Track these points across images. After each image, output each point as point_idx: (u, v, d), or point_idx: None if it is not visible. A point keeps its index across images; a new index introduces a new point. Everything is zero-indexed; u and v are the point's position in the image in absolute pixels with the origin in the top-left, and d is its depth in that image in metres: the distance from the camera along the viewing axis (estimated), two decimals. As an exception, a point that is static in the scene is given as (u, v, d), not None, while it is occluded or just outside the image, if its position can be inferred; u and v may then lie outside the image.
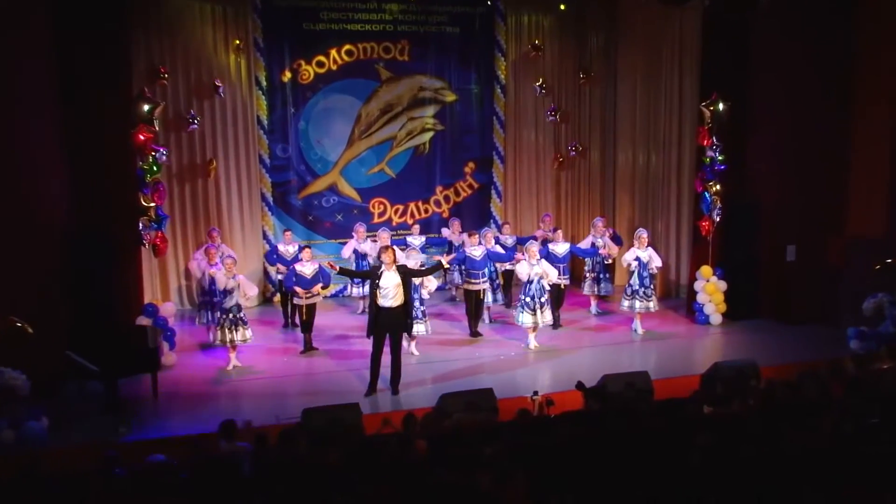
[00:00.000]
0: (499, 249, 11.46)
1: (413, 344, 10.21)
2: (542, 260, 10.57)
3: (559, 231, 12.14)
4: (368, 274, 9.33)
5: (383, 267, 8.65)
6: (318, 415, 7.08)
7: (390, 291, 8.50)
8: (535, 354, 10.41)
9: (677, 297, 13.17)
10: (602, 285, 12.08)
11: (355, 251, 12.27)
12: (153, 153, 9.99)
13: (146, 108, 9.89)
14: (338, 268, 9.19)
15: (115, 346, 8.87)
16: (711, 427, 5.87)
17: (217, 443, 6.50)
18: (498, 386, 8.11)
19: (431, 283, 10.01)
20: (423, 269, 9.71)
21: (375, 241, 11.92)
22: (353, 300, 12.82)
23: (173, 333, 10.14)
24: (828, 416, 5.92)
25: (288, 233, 12.24)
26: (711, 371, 8.20)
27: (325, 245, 13.84)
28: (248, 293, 9.90)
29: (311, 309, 10.55)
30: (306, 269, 10.51)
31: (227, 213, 13.08)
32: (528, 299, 10.34)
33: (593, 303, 12.36)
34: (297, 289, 10.36)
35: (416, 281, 9.61)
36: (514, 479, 4.99)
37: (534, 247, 10.51)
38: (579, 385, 7.29)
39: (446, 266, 9.60)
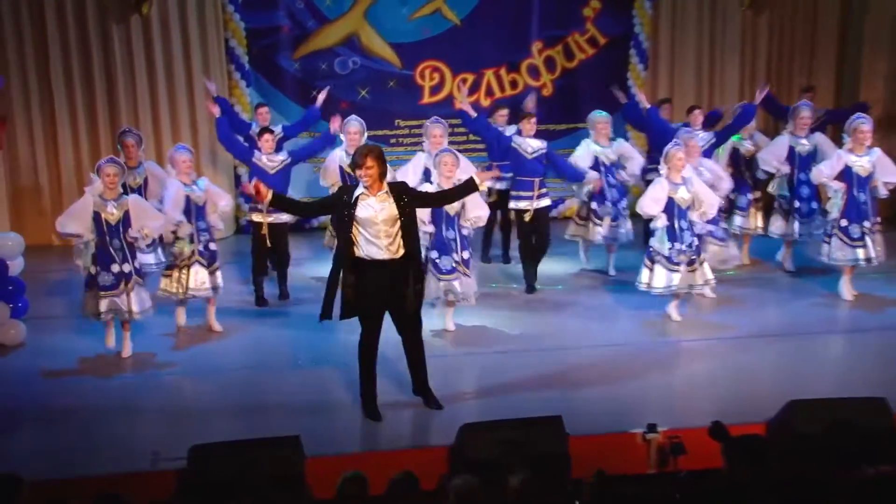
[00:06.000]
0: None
1: (450, 313, 9.57)
2: (697, 173, 9.67)
3: (698, 111, 11.40)
4: (331, 205, 8.29)
5: (360, 188, 7.67)
6: (221, 457, 6.44)
7: (379, 230, 7.63)
8: (671, 343, 9.30)
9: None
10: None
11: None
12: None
13: None
14: (269, 196, 8.03)
15: None
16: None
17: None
18: (582, 407, 7.56)
19: (478, 210, 9.18)
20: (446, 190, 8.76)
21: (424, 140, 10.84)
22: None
23: (20, 289, 9.41)
24: None
25: (263, 109, 11.61)
26: None
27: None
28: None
29: (280, 233, 9.98)
30: (266, 159, 10.06)
31: (165, 86, 12.83)
32: (664, 246, 9.38)
33: (783, 252, 11.46)
34: (255, 187, 8.55)
35: (450, 210, 9.04)
36: None
37: (695, 140, 10.01)
38: (715, 430, 5.98)
39: (483, 187, 8.37)
